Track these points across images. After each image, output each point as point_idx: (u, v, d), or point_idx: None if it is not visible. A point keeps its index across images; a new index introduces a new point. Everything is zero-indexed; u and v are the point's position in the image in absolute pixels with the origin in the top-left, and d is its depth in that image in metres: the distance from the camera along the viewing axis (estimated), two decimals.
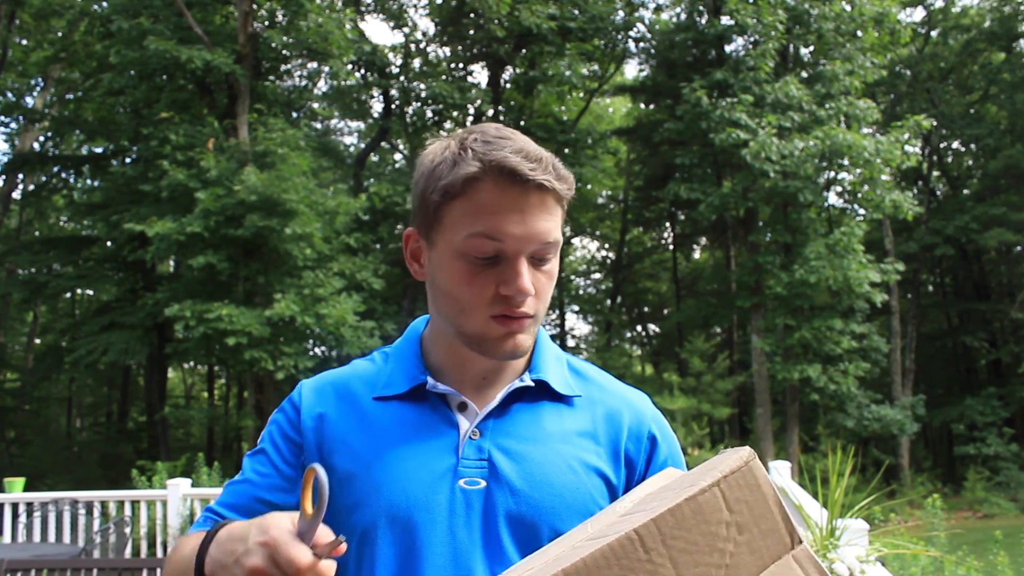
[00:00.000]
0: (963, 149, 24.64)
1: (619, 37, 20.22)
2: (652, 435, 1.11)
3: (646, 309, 29.03)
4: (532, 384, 1.08)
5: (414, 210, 1.07)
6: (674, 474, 0.98)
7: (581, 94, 20.86)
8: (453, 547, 0.99)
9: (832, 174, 17.13)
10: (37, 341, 23.40)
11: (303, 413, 1.11)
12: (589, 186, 22.92)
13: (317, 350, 15.27)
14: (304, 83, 19.10)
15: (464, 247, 0.99)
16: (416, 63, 19.72)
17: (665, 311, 27.41)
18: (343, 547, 0.81)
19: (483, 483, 1.01)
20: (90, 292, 22.53)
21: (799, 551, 0.77)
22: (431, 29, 20.05)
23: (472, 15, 17.80)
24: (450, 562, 0.98)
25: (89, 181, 18.18)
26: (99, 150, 18.40)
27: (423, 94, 18.73)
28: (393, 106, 20.03)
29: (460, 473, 1.02)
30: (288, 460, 1.10)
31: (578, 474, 1.04)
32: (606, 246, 28.38)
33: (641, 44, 21.30)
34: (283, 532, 0.80)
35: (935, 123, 20.60)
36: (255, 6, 14.89)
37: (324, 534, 0.81)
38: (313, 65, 17.62)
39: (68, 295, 23.26)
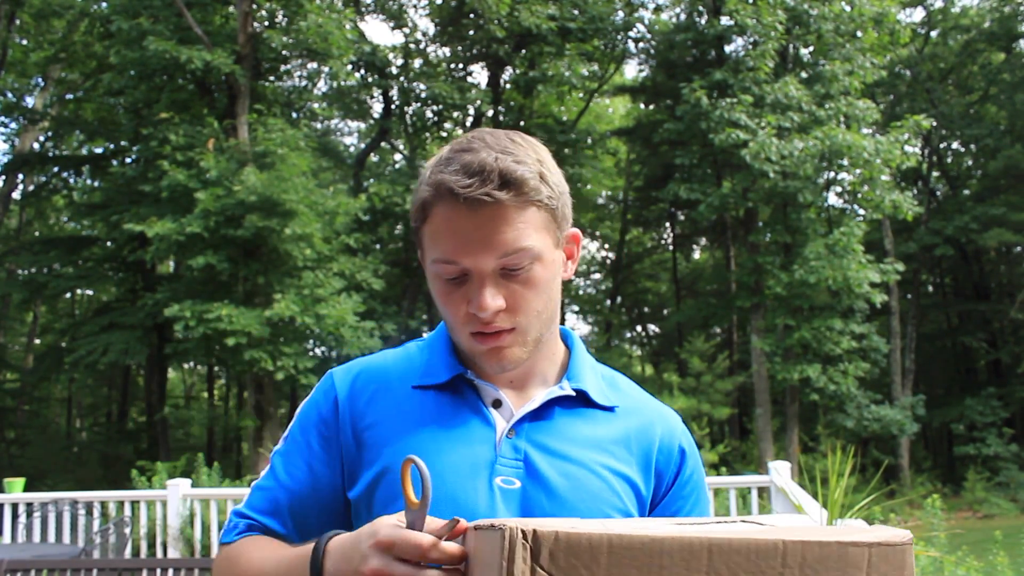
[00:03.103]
0: (963, 149, 24.62)
1: (619, 37, 20.21)
2: (682, 449, 1.13)
3: (646, 309, 29.04)
4: (573, 393, 1.08)
5: None
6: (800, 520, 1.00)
7: (581, 94, 20.85)
8: None
9: (832, 174, 17.12)
10: (37, 341, 23.39)
11: (338, 403, 1.07)
12: (589, 186, 22.95)
13: (317, 350, 15.29)
14: (304, 83, 19.09)
15: (434, 270, 1.00)
16: (416, 63, 19.70)
17: (665, 311, 27.39)
18: (462, 524, 0.80)
19: (518, 483, 1.01)
20: (90, 292, 22.56)
21: None
22: (431, 29, 20.05)
23: (472, 15, 17.79)
24: None
25: (89, 181, 18.18)
26: (99, 150, 18.42)
27: (423, 94, 18.72)
28: (393, 106, 20.03)
29: (497, 471, 1.00)
30: (320, 457, 1.06)
31: (611, 482, 1.04)
32: (606, 246, 28.38)
33: (641, 44, 21.30)
34: (393, 529, 0.80)
35: (935, 123, 20.59)
36: (255, 6, 14.89)
37: (433, 520, 0.81)
38: (313, 65, 17.61)
39: (68, 295, 23.25)
